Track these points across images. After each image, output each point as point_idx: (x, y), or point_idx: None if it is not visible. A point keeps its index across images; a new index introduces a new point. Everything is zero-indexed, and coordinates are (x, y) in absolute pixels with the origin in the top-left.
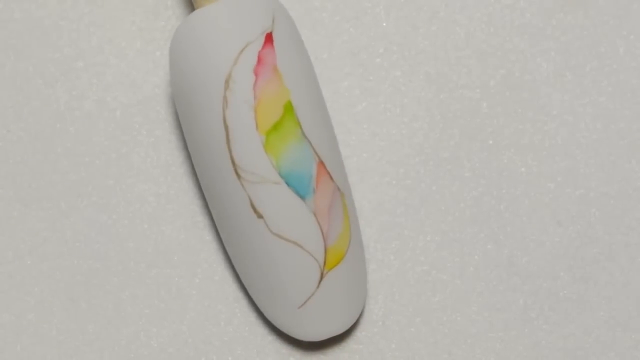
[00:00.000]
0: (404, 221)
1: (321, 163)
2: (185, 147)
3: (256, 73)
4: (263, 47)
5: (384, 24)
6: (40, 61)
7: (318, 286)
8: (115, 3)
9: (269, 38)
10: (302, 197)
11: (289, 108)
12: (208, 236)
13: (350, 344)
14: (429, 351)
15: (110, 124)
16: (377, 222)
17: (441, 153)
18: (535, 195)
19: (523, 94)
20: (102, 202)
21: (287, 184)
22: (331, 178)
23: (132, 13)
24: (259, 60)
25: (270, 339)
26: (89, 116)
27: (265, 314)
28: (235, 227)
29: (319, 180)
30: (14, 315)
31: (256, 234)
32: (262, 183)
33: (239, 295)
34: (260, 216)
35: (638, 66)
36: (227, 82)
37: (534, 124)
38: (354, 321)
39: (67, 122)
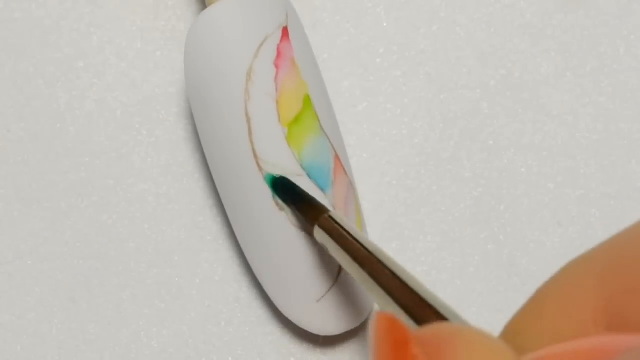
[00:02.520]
0: (404, 221)
1: (337, 156)
2: (187, 146)
3: (277, 66)
4: (281, 40)
5: (385, 24)
6: (40, 61)
7: (336, 280)
8: (116, 3)
9: (285, 32)
10: (323, 190)
11: (307, 101)
12: (209, 236)
13: (351, 344)
14: None
15: (110, 124)
16: (377, 222)
17: (441, 153)
18: (536, 195)
19: (523, 94)
20: (102, 202)
21: (309, 176)
22: (345, 172)
23: (133, 13)
24: (279, 53)
25: (270, 339)
26: (89, 116)
27: (281, 309)
28: (255, 220)
29: (336, 173)
30: (14, 315)
31: (278, 227)
32: (284, 175)
33: (240, 295)
34: (282, 209)
35: (638, 66)
36: (248, 74)
37: (534, 124)
38: (367, 315)
39: (68, 122)
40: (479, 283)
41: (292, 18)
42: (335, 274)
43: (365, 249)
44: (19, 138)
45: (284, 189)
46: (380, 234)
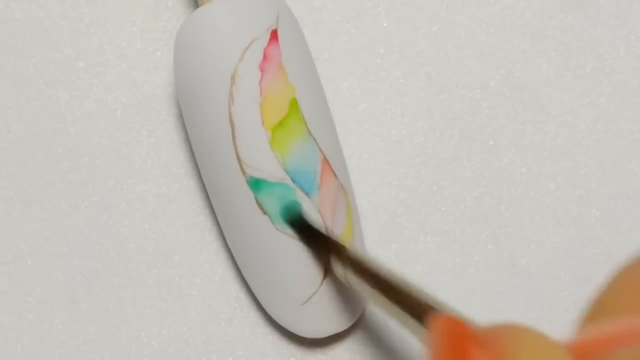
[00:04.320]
0: (404, 222)
1: (325, 160)
2: (186, 147)
3: (262, 69)
4: (268, 43)
5: (385, 24)
6: (40, 61)
7: (322, 283)
8: (116, 3)
9: (274, 35)
10: (307, 194)
11: (294, 104)
12: (209, 236)
13: (351, 344)
14: None
15: (110, 124)
16: (377, 222)
17: (441, 153)
18: (536, 195)
19: (523, 94)
20: (102, 203)
21: (293, 180)
22: (335, 175)
23: (133, 13)
24: (265, 56)
25: (271, 339)
26: (89, 116)
27: (268, 311)
28: (239, 223)
29: (324, 177)
30: (14, 316)
31: (261, 230)
32: (267, 179)
33: (240, 295)
34: (265, 212)
35: (638, 66)
36: (233, 78)
37: (534, 124)
38: (356, 319)
39: (68, 123)
40: (479, 283)
41: (284, 20)
42: (320, 278)
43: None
44: (19, 138)
45: (297, 225)
46: (380, 234)
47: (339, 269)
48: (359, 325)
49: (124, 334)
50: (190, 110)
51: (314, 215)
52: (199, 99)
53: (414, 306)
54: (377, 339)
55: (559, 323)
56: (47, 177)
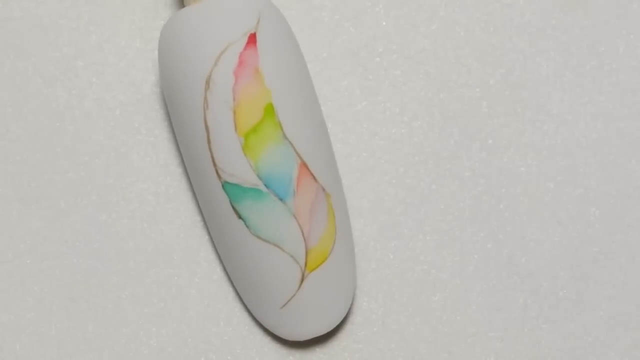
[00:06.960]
0: (403, 220)
1: (303, 164)
2: None
3: (236, 74)
4: (245, 48)
5: (384, 23)
6: (39, 60)
7: (299, 287)
8: (115, 2)
9: (252, 39)
10: (282, 199)
11: (269, 110)
12: (207, 235)
13: (350, 343)
14: (429, 350)
15: (109, 123)
16: (376, 221)
17: (441, 152)
18: (535, 194)
19: (523, 93)
20: (101, 201)
21: (266, 185)
22: (314, 179)
23: (132, 12)
24: (240, 61)
25: (269, 339)
26: (88, 115)
27: (252, 313)
28: (218, 227)
29: (300, 182)
30: (13, 315)
31: (237, 234)
32: (241, 184)
33: (239, 294)
34: (240, 217)
35: (638, 66)
36: (207, 83)
37: (534, 123)
38: (338, 321)
39: (67, 121)
40: (479, 282)
41: (266, 23)
42: (298, 282)
43: None
44: (18, 137)
45: None
46: (379, 233)
47: None
48: (358, 324)
49: (122, 332)
50: (173, 113)
51: (288, 220)
52: (178, 103)
53: None
54: (376, 339)
55: (558, 322)
56: (45, 175)
